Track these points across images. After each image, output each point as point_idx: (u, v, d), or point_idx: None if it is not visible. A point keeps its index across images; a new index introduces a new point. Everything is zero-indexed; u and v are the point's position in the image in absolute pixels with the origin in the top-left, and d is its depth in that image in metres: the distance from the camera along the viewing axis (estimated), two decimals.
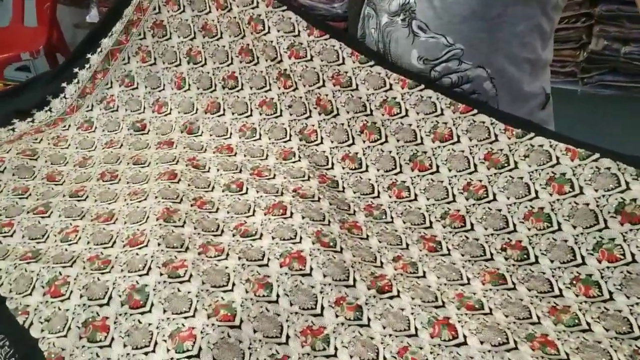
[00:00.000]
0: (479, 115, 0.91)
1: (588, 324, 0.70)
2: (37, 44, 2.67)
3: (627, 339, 0.68)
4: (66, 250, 0.82)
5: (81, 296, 0.74)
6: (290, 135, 1.02)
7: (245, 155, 1.01)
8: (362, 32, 1.08)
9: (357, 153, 0.97)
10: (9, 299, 0.76)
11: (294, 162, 0.98)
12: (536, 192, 0.83)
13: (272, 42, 1.08)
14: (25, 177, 1.01)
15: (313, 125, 1.01)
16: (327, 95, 1.01)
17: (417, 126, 0.95)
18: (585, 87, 1.91)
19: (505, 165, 0.87)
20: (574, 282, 0.75)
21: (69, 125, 1.15)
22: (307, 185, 0.92)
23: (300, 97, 1.03)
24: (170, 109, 1.13)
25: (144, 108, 1.15)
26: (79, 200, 0.94)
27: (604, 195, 0.76)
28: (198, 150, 1.04)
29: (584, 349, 0.67)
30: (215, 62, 1.14)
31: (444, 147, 0.92)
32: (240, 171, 0.97)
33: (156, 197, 0.89)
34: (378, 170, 0.95)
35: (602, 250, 0.74)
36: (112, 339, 0.69)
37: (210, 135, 1.07)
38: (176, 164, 0.99)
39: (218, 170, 0.97)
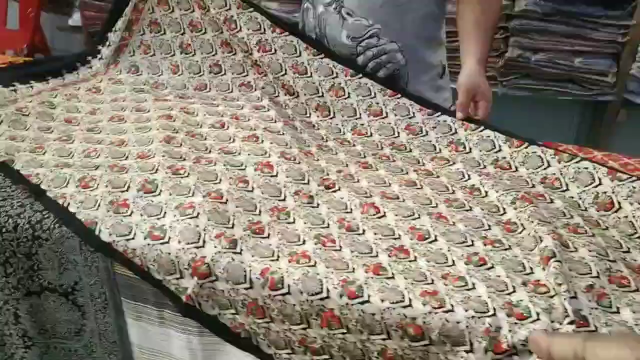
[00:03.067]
0: (402, 98, 1.26)
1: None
2: (20, 44, 2.90)
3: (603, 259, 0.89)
4: (89, 162, 1.08)
5: (106, 186, 1.00)
6: (263, 99, 1.32)
7: (225, 107, 1.29)
8: (302, 24, 1.41)
9: (313, 124, 1.28)
10: (48, 191, 1.01)
11: (264, 111, 1.27)
12: (440, 149, 1.19)
13: (243, 38, 1.37)
14: (46, 120, 1.27)
15: (281, 102, 1.33)
16: (289, 81, 1.32)
17: (357, 105, 1.27)
18: (504, 89, 2.28)
19: (419, 133, 1.22)
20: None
21: (80, 87, 1.41)
22: (274, 125, 1.21)
23: (270, 81, 1.34)
24: (166, 87, 1.42)
25: (144, 86, 1.44)
26: (94, 133, 1.20)
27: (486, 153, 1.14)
28: (188, 102, 1.32)
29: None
30: (202, 53, 1.42)
31: (375, 120, 1.24)
32: (222, 116, 1.25)
33: (158, 129, 1.17)
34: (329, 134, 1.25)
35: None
36: (132, 211, 0.95)
37: (199, 102, 1.35)
38: (171, 110, 1.26)
39: (204, 115, 1.25)
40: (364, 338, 0.81)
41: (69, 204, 0.97)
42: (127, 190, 0.99)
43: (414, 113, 1.25)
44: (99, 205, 0.96)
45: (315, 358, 0.86)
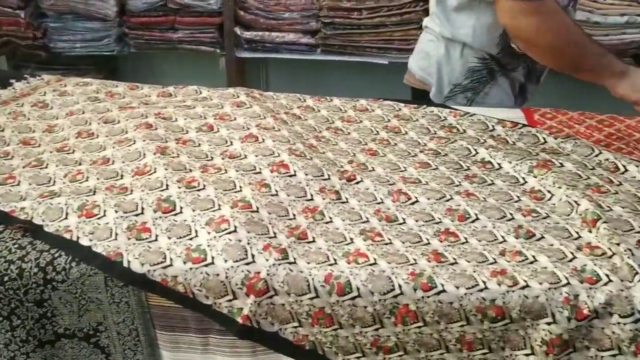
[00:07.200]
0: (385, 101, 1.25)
1: None
2: None
3: None
4: (80, 186, 0.96)
5: (116, 211, 0.89)
6: (239, 96, 1.25)
7: (203, 107, 1.20)
8: None
9: (299, 116, 1.25)
10: (45, 226, 0.88)
11: (247, 108, 1.20)
12: (435, 131, 1.22)
13: None
14: None
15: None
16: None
17: (341, 105, 1.23)
18: None
19: (410, 119, 1.19)
20: None
21: (23, 104, 1.25)
22: (265, 121, 1.14)
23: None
24: (123, 96, 1.32)
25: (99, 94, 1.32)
26: (67, 154, 1.07)
27: None
28: (160, 108, 1.21)
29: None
30: None
31: (362, 113, 1.22)
32: (205, 118, 1.16)
33: (144, 141, 1.06)
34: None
35: None
36: (156, 235, 0.86)
37: (172, 106, 1.24)
38: (146, 117, 1.15)
39: (185, 119, 1.16)
40: (441, 328, 0.80)
41: (78, 237, 0.86)
42: (142, 213, 0.89)
43: (400, 108, 1.26)
44: (116, 234, 0.86)
45: (388, 357, 0.84)
